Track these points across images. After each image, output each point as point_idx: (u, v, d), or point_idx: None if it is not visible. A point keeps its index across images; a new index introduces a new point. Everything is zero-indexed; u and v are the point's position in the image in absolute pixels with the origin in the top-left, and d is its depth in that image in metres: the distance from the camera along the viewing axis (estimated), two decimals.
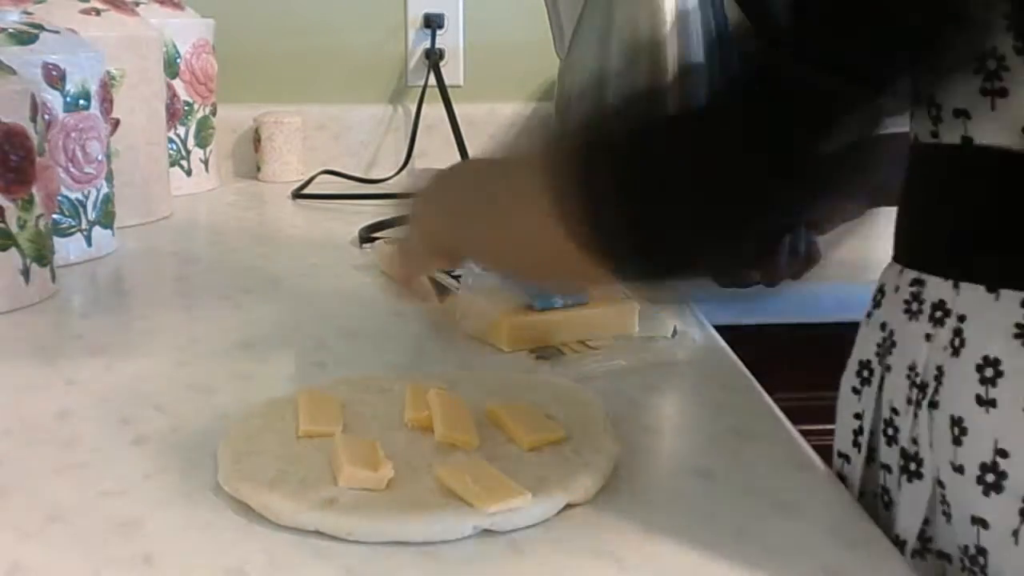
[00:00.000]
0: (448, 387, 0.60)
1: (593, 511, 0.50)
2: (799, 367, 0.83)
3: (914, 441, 0.49)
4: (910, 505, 0.50)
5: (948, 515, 0.48)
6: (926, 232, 0.52)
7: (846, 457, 0.56)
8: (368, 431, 0.56)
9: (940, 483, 0.48)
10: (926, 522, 0.50)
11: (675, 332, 0.72)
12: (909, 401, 0.50)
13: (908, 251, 0.53)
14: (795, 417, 0.63)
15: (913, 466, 0.50)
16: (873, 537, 0.48)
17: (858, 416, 0.55)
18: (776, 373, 0.73)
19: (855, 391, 0.55)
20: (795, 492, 0.52)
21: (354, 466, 0.50)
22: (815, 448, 0.59)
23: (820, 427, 0.62)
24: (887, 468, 0.53)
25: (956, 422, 0.47)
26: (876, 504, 0.54)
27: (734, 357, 0.73)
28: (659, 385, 0.68)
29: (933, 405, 0.48)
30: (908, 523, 0.50)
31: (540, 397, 0.61)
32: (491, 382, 0.64)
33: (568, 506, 0.50)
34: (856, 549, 0.47)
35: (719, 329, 0.79)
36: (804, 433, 0.61)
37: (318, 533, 0.47)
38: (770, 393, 0.66)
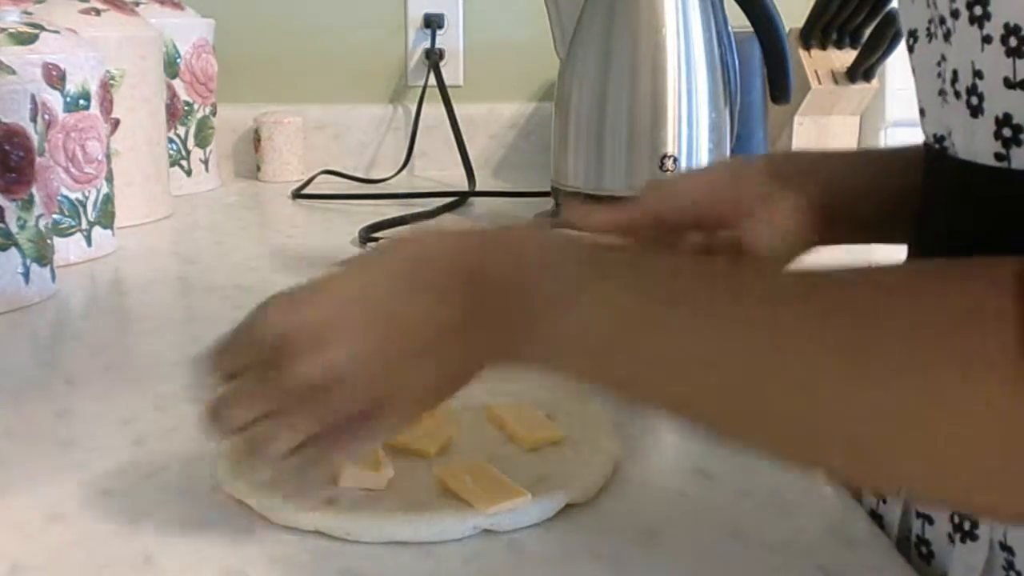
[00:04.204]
0: None
1: (593, 511, 0.50)
2: None
3: None
4: (964, 569, 0.45)
5: None
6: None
7: (881, 496, 0.53)
8: None
9: (1005, 547, 0.44)
10: None
11: None
12: None
13: None
14: None
15: (968, 526, 0.45)
16: (873, 537, 0.48)
17: None
18: None
19: None
20: (794, 492, 0.52)
21: (354, 466, 0.50)
22: None
23: None
24: (927, 519, 0.49)
25: None
26: (909, 550, 0.50)
27: None
28: None
29: None
30: None
31: (541, 397, 0.61)
32: (491, 382, 0.64)
33: (568, 506, 0.50)
34: (856, 549, 0.47)
35: None
36: None
37: (318, 533, 0.47)
38: None
